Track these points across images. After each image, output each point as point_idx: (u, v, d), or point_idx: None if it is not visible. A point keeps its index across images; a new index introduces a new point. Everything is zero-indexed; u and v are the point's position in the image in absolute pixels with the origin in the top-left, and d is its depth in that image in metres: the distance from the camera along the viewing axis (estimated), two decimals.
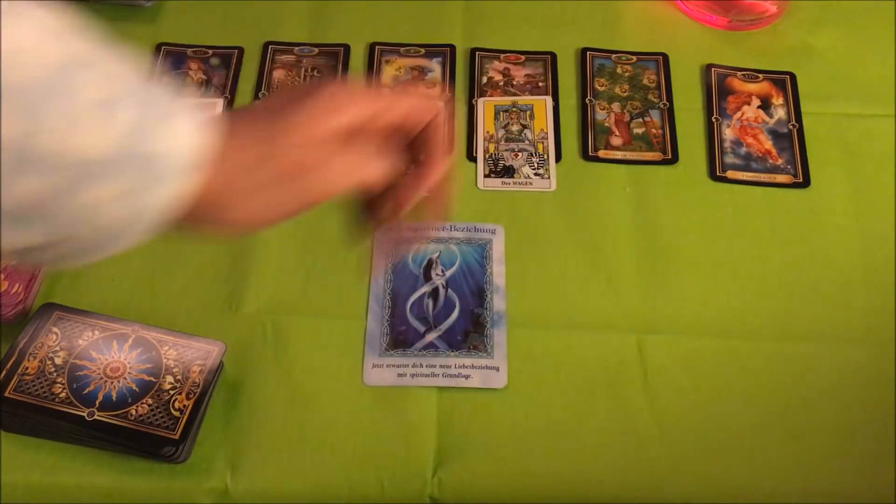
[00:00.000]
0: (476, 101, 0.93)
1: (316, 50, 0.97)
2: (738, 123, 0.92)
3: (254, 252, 0.81)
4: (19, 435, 0.70)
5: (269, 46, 0.97)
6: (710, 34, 1.00)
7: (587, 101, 0.94)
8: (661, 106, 0.93)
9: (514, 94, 0.94)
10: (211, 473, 0.70)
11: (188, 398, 0.70)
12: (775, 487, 0.71)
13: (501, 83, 0.95)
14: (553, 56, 0.97)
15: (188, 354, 0.72)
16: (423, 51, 0.97)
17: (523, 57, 0.97)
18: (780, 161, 0.90)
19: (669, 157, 0.90)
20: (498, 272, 0.81)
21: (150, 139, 0.42)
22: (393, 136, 0.53)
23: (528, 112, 0.92)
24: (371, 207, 0.56)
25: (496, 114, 0.92)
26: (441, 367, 0.75)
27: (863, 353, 0.77)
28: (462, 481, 0.70)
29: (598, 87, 0.95)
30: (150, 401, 0.69)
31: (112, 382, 0.70)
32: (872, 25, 1.01)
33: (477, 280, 0.80)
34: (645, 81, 0.95)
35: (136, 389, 0.70)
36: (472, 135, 0.91)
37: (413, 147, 0.54)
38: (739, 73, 0.96)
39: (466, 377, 0.75)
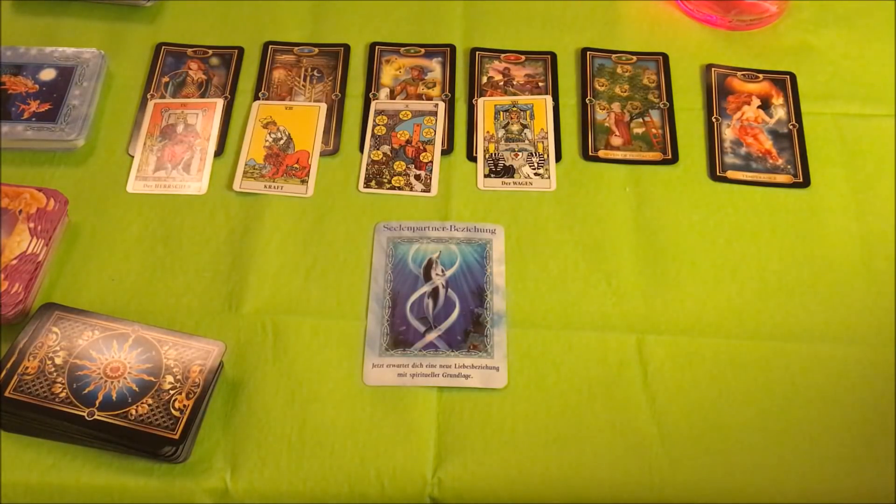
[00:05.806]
0: (476, 100, 0.93)
1: (316, 50, 0.97)
2: (738, 123, 0.92)
3: (254, 252, 0.81)
4: (19, 435, 0.70)
5: (269, 46, 0.97)
6: (710, 34, 1.00)
7: (587, 101, 0.93)
8: (661, 106, 0.93)
9: (514, 94, 0.94)
10: (211, 473, 0.70)
11: (188, 398, 0.70)
12: (775, 487, 0.71)
13: (501, 83, 0.95)
14: (553, 56, 0.97)
15: (188, 354, 0.72)
16: (422, 51, 0.97)
17: (523, 57, 0.97)
18: (780, 161, 0.90)
19: (669, 157, 0.90)
20: (498, 272, 0.81)
21: None
22: None
23: (528, 112, 0.92)
24: None
25: (496, 114, 0.92)
26: (441, 366, 0.75)
27: (863, 353, 0.77)
28: (462, 481, 0.70)
29: (598, 87, 0.95)
30: (150, 401, 0.69)
31: (112, 382, 0.70)
32: (872, 25, 1.01)
33: (477, 280, 0.80)
34: (645, 81, 0.95)
35: (136, 389, 0.70)
36: (472, 135, 0.91)
37: None
38: (739, 73, 0.96)
39: (466, 377, 0.75)
